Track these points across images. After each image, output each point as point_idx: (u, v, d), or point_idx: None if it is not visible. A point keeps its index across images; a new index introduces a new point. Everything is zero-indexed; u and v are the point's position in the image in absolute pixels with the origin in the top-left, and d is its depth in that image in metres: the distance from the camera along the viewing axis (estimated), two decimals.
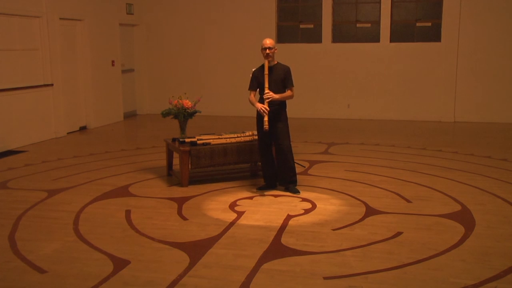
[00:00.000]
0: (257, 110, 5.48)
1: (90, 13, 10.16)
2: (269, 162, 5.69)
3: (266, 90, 5.35)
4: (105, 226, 4.69)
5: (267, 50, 5.41)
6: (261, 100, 5.47)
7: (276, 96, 5.37)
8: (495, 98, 10.60)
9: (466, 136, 9.31)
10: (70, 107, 9.79)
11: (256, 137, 6.13)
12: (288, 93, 5.51)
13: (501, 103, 10.58)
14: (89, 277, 3.62)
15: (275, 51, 5.47)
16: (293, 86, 5.53)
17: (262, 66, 5.53)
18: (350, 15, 11.30)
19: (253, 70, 5.68)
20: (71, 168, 6.94)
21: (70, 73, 9.77)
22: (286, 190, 5.66)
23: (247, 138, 6.13)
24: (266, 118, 5.30)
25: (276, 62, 5.53)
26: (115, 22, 11.06)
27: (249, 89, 5.64)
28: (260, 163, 6.14)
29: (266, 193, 5.66)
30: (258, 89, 5.59)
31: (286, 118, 5.60)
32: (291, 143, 5.73)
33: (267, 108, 5.33)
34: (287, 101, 5.62)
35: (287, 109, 5.63)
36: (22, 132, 8.52)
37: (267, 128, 5.30)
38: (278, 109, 5.49)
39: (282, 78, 5.47)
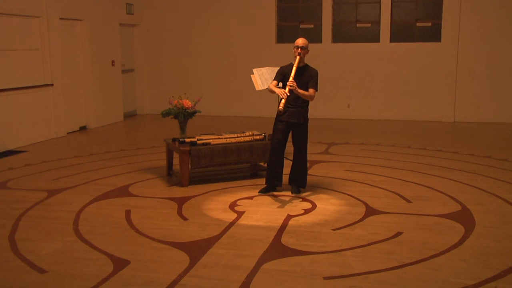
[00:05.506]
0: (277, 111, 5.44)
1: (90, 13, 10.16)
2: (279, 162, 5.61)
3: (291, 79, 5.24)
4: (105, 226, 4.69)
5: (299, 49, 5.35)
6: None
7: (299, 90, 5.29)
8: (495, 98, 10.61)
9: (466, 136, 9.31)
10: (70, 107, 9.79)
11: (257, 137, 6.14)
12: (310, 91, 5.40)
13: (501, 103, 10.58)
14: (89, 277, 3.62)
15: (307, 53, 5.38)
16: (316, 90, 5.45)
17: (291, 65, 5.48)
18: (350, 15, 11.31)
19: (281, 66, 5.61)
20: (71, 168, 6.94)
21: (70, 73, 9.77)
22: (292, 190, 5.66)
23: (247, 138, 6.13)
24: (283, 101, 5.19)
25: (304, 64, 5.45)
26: (115, 22, 11.06)
27: (273, 79, 5.58)
28: (265, 163, 6.12)
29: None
30: (281, 83, 5.50)
31: (307, 121, 5.55)
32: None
33: (287, 93, 5.22)
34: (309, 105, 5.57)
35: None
36: (22, 132, 8.51)
37: (281, 108, 5.16)
38: (301, 112, 5.44)
39: (308, 81, 5.41)
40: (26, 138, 8.59)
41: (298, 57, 5.33)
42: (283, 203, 5.31)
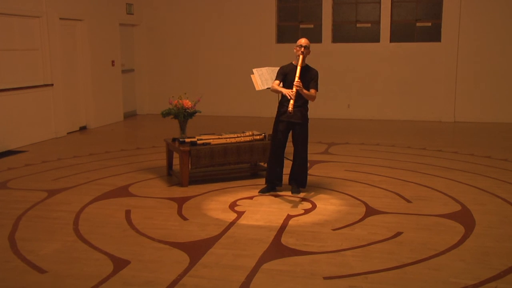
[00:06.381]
0: (277, 110, 5.46)
1: (90, 13, 10.16)
2: (278, 162, 5.62)
3: (297, 79, 5.26)
4: (105, 226, 4.69)
5: (303, 48, 5.37)
6: (286, 102, 5.37)
7: (304, 90, 5.31)
8: (495, 98, 10.61)
9: (466, 136, 9.32)
10: (70, 107, 9.79)
11: (257, 137, 6.14)
12: (312, 91, 5.44)
13: (501, 103, 10.58)
14: (89, 277, 3.62)
15: (308, 53, 5.42)
16: (317, 90, 5.48)
17: (291, 65, 5.49)
18: (350, 15, 11.31)
19: (281, 66, 5.61)
20: (71, 168, 6.94)
21: (70, 73, 9.77)
22: (292, 190, 5.66)
23: (247, 138, 6.13)
24: (292, 102, 5.21)
25: (305, 64, 5.45)
26: (115, 22, 11.06)
27: (275, 79, 5.58)
28: (264, 163, 6.11)
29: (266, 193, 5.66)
30: (281, 83, 5.50)
31: (308, 121, 5.56)
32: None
33: (294, 91, 5.23)
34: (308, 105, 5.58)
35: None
36: (22, 132, 8.51)
37: (291, 110, 5.18)
38: (302, 112, 5.44)
39: (309, 81, 5.43)
40: (26, 138, 8.59)
41: (301, 56, 5.34)
42: (283, 203, 5.31)
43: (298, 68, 5.31)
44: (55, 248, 4.17)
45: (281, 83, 5.49)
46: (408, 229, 4.53)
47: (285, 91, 5.30)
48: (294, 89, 5.23)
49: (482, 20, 10.46)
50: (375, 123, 10.72)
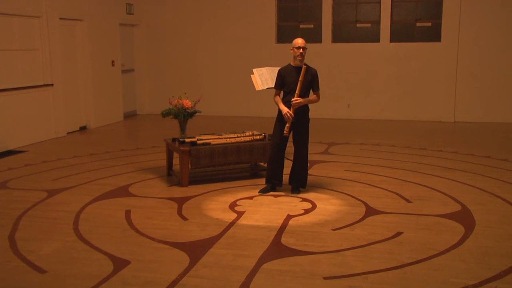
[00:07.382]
0: (278, 110, 5.47)
1: (90, 13, 10.16)
2: (279, 162, 5.62)
3: (296, 97, 5.28)
4: (105, 226, 4.69)
5: (301, 49, 5.33)
6: (287, 104, 5.39)
7: (303, 102, 5.34)
8: (495, 98, 10.61)
9: (466, 136, 9.31)
10: (70, 107, 9.79)
11: (257, 137, 6.14)
12: (314, 97, 5.46)
13: (501, 103, 10.58)
14: (89, 277, 3.62)
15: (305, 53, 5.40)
16: (319, 90, 5.49)
17: (289, 66, 5.48)
18: (350, 15, 11.31)
19: (279, 69, 5.60)
20: (71, 168, 6.94)
21: (70, 73, 9.77)
22: (292, 190, 5.67)
23: (247, 138, 6.13)
24: (288, 124, 5.27)
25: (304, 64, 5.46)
26: (115, 22, 11.06)
27: (274, 87, 5.59)
28: (264, 163, 6.11)
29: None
30: (283, 87, 5.51)
31: (309, 121, 5.57)
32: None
33: (292, 114, 5.29)
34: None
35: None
36: (22, 132, 8.51)
37: (287, 134, 5.28)
38: (302, 111, 5.45)
39: (310, 81, 5.42)
40: (26, 138, 8.59)
41: (304, 68, 5.28)
42: (283, 203, 5.31)
43: (299, 83, 5.28)
44: (55, 248, 4.17)
45: (282, 90, 5.49)
46: (408, 229, 4.53)
47: (284, 111, 5.31)
48: (291, 110, 5.27)
49: (482, 20, 10.47)
50: (375, 123, 10.72)
